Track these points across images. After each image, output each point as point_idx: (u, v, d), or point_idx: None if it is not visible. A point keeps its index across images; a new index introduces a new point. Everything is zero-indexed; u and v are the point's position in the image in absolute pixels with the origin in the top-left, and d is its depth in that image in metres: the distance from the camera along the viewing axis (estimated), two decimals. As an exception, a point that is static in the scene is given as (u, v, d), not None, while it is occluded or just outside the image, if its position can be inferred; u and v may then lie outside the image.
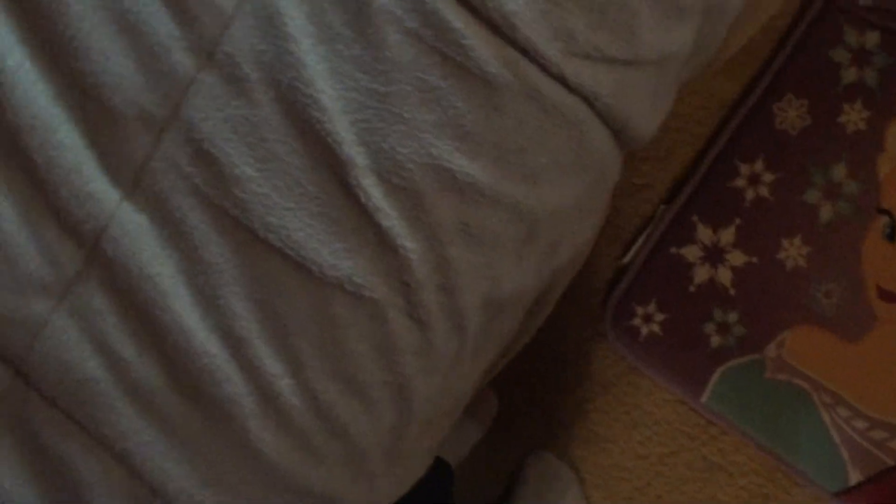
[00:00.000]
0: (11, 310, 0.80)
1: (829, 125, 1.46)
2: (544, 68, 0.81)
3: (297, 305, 0.81)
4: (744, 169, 1.48)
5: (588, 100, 0.84)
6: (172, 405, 0.81)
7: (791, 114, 1.45)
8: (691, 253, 1.50)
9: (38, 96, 0.79)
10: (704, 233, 1.48)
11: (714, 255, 1.49)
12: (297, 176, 0.80)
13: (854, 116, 1.42)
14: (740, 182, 1.49)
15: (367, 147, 0.80)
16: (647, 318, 1.51)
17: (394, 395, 0.85)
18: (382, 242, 0.81)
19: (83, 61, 0.80)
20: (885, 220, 1.47)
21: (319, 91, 0.79)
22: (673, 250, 1.49)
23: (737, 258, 1.49)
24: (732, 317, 1.49)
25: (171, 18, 0.80)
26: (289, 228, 0.80)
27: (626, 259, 1.49)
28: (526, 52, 0.81)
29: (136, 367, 0.81)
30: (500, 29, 0.80)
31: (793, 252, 1.47)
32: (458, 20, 0.79)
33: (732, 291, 1.49)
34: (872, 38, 1.41)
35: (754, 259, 1.49)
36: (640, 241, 1.49)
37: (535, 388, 1.53)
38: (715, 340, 1.50)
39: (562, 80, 0.82)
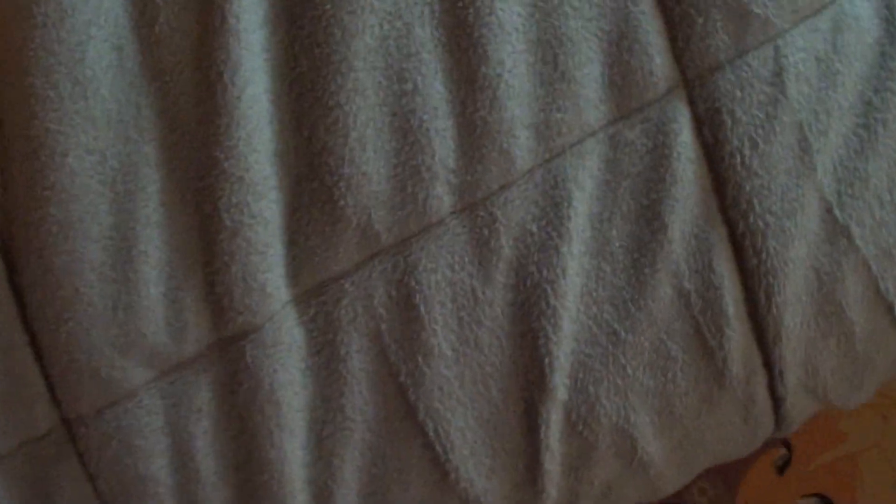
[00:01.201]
0: (102, 363, 0.65)
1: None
2: (772, 386, 0.75)
3: (411, 500, 0.70)
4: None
5: (779, 425, 0.78)
6: None
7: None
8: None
9: (264, 157, 0.64)
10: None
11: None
12: (488, 374, 0.70)
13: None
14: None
15: (574, 383, 0.71)
16: None
17: None
18: (531, 480, 0.73)
19: (338, 143, 0.65)
20: (783, 452, 1.50)
21: (563, 306, 0.68)
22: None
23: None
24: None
25: (455, 148, 0.66)
26: (450, 423, 0.70)
27: None
28: (771, 372, 0.73)
29: (208, 487, 0.69)
30: (763, 335, 0.73)
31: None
32: (732, 307, 0.71)
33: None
34: None
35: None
36: None
37: None
38: None
39: (777, 403, 0.76)
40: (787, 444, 1.51)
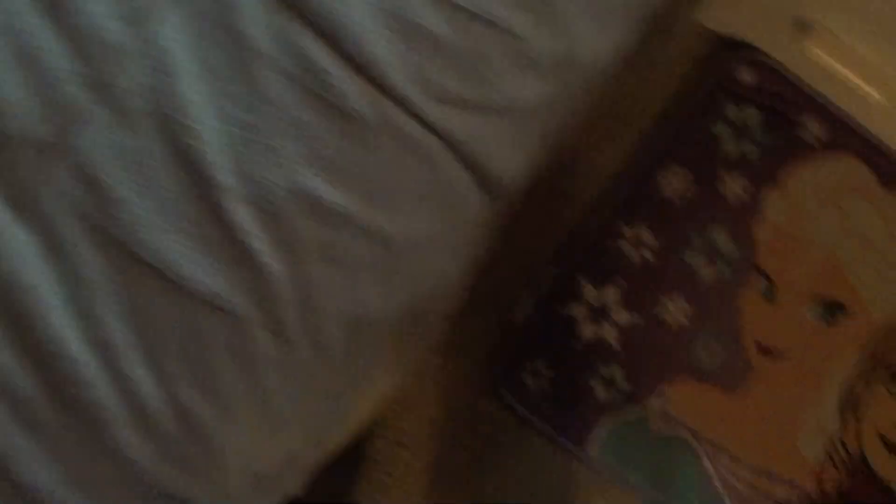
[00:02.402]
0: None
1: (710, 193, 1.55)
2: (406, 108, 0.89)
3: (167, 319, 0.87)
4: (628, 232, 1.55)
5: (444, 139, 0.92)
6: (45, 412, 0.86)
7: (674, 182, 1.54)
8: (578, 311, 1.56)
9: None
10: (590, 292, 1.54)
11: (599, 314, 1.55)
12: (174, 199, 0.87)
13: (734, 186, 1.51)
14: (625, 245, 1.56)
15: (240, 175, 0.87)
16: (536, 374, 1.56)
17: (254, 404, 0.91)
18: (249, 262, 0.88)
19: None
20: (763, 281, 1.55)
21: (200, 123, 0.86)
22: (560, 309, 1.55)
23: (621, 316, 1.56)
24: (618, 372, 1.55)
25: (67, 52, 0.85)
26: (164, 248, 0.86)
27: (515, 317, 1.55)
28: (390, 92, 0.88)
29: (13, 375, 0.85)
30: (366, 71, 0.88)
31: (674, 310, 1.54)
32: (327, 62, 0.87)
33: (617, 348, 1.56)
34: (753, 116, 1.51)
35: (637, 317, 1.55)
36: (528, 300, 1.55)
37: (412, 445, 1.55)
38: (601, 395, 1.55)
39: (420, 120, 0.90)
40: (763, 273, 1.57)
